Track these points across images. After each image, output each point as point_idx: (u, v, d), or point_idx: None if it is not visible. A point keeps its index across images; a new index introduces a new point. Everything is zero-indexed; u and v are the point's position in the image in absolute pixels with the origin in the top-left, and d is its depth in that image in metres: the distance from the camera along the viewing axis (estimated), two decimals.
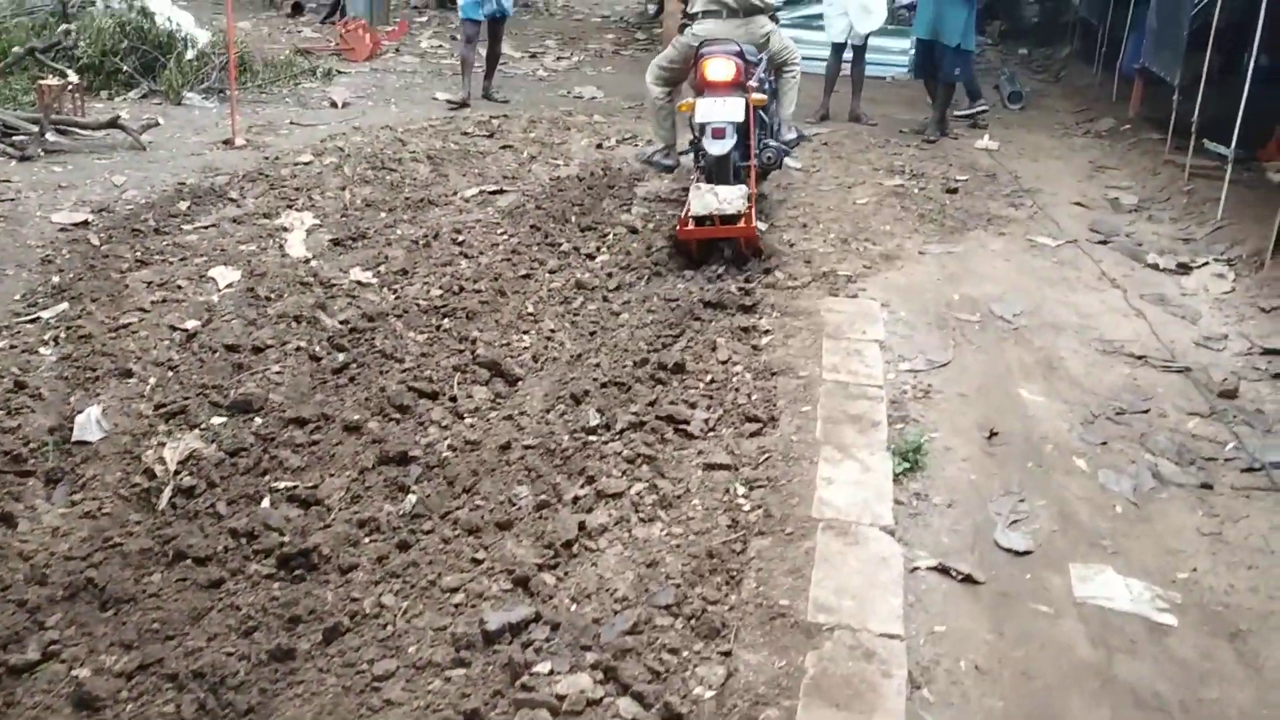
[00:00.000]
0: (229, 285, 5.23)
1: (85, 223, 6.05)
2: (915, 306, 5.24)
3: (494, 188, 7.03)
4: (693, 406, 4.08)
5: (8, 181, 6.72)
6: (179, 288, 5.15)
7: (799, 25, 12.46)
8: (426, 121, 8.86)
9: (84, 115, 8.10)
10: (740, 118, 5.68)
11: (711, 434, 3.92)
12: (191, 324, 4.75)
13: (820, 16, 12.03)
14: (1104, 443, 4.03)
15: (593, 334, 4.86)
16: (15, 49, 8.65)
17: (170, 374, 4.30)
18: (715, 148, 5.65)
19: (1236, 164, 6.74)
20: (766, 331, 4.84)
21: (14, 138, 7.45)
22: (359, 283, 5.34)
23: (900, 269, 5.77)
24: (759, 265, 5.56)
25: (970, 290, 5.49)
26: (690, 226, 5.52)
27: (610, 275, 5.51)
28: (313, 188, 6.88)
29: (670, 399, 4.14)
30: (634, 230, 6.19)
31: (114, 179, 6.93)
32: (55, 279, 5.30)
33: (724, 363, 4.49)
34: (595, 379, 4.35)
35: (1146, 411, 4.29)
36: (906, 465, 3.72)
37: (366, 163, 7.48)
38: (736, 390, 4.24)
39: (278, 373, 4.30)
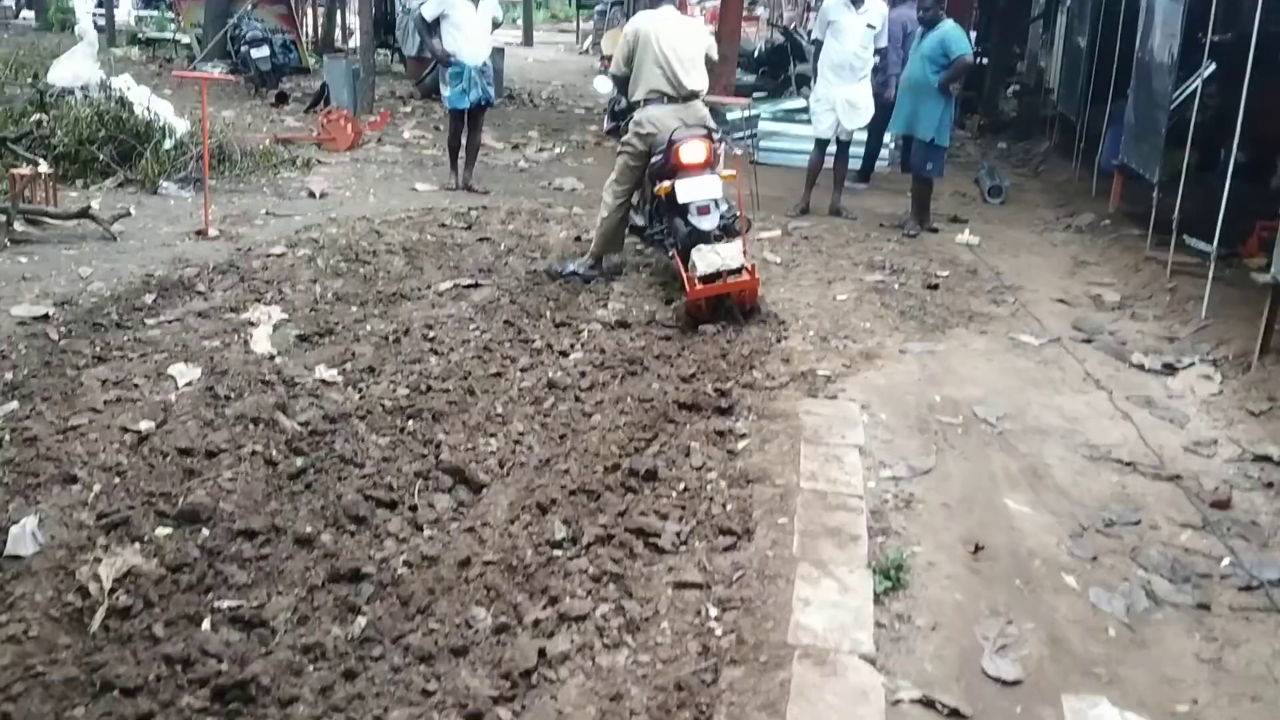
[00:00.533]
0: (188, 384, 5.05)
1: (46, 316, 5.88)
2: (896, 409, 5.10)
3: (469, 281, 6.90)
4: (664, 518, 3.90)
5: None
6: (135, 386, 4.96)
7: (782, 119, 12.56)
8: (404, 212, 8.77)
9: (56, 204, 7.98)
10: (720, 194, 6.25)
11: (683, 548, 3.74)
12: (145, 425, 4.55)
13: (804, 110, 12.14)
14: (1094, 558, 3.85)
15: (563, 437, 4.69)
16: None
17: (117, 480, 4.09)
18: (705, 223, 6.13)
19: (1219, 261, 6.67)
20: (743, 435, 4.68)
21: None
22: (323, 381, 5.17)
23: (881, 368, 5.64)
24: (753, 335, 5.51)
25: (952, 391, 5.35)
26: (699, 287, 5.92)
27: (583, 374, 5.35)
28: (284, 280, 6.74)
29: (641, 509, 3.96)
30: (609, 326, 6.06)
31: (80, 270, 6.78)
32: (8, 375, 5.10)
33: (698, 469, 4.32)
34: (563, 486, 4.16)
35: (1137, 523, 4.12)
36: (888, 583, 3.53)
37: (340, 255, 7.36)
38: (710, 499, 4.07)
39: (230, 479, 4.10)
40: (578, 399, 5.09)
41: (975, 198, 10.75)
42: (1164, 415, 5.21)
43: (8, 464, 4.15)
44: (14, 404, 4.76)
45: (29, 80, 10.14)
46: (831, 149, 9.51)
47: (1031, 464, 4.62)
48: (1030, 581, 3.67)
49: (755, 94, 14.43)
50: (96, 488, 4.01)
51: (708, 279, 5.91)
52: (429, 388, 5.08)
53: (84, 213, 7.60)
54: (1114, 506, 4.23)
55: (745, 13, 26.69)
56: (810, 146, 9.84)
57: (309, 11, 20.93)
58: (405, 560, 3.63)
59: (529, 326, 6.04)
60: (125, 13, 27.03)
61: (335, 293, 6.56)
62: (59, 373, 5.12)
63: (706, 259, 5.90)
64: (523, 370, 5.42)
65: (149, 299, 6.28)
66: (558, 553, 3.69)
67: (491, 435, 4.66)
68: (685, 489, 4.16)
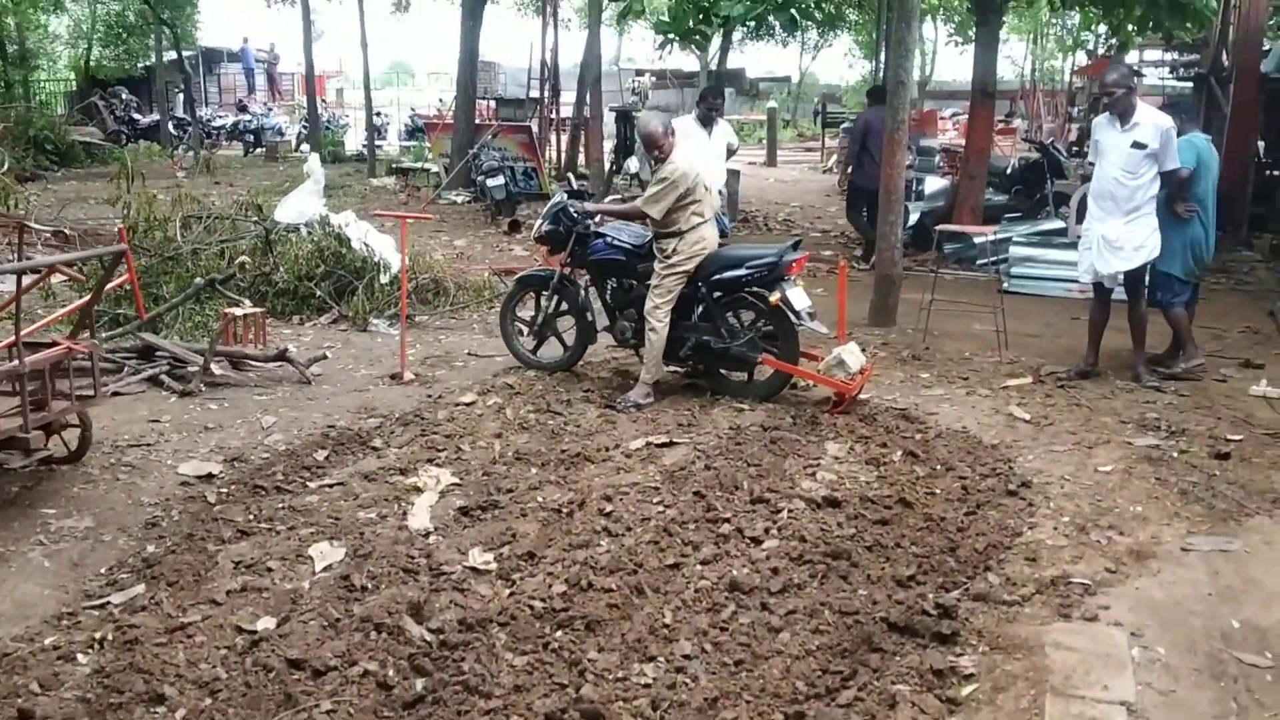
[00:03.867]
0: (326, 568, 4.50)
1: (211, 476, 5.56)
2: (1178, 639, 3.93)
3: (663, 439, 6.16)
4: None
5: (156, 421, 6.41)
6: (269, 570, 4.45)
7: (1038, 243, 11.40)
8: (610, 354, 8.16)
9: (265, 344, 7.88)
10: None
11: None
12: (263, 624, 3.99)
13: (1061, 233, 10.96)
14: None
15: (739, 663, 3.79)
16: (196, 280, 8.62)
17: (207, 701, 3.51)
18: (820, 325, 6.98)
19: None
20: (969, 676, 3.67)
21: (182, 370, 7.24)
22: (474, 569, 4.50)
23: (1156, 575, 4.47)
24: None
25: (1256, 615, 4.12)
26: (859, 378, 6.69)
27: (775, 572, 4.45)
28: (465, 434, 6.23)
29: None
30: (815, 504, 5.14)
31: (264, 420, 6.52)
32: (150, 548, 4.74)
33: None
34: None
35: None
36: None
37: (532, 404, 6.82)
38: None
39: (329, 710, 3.44)
40: (764, 606, 4.19)
41: (1272, 334, 9.13)
42: None
43: (98, 674, 3.66)
44: (140, 587, 4.34)
45: (256, 218, 10.31)
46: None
47: None
48: None
49: (1007, 215, 13.28)
50: (180, 713, 3.44)
51: (859, 372, 6.68)
52: (590, 584, 4.31)
53: (281, 355, 7.43)
54: None
55: (1002, 124, 25.41)
56: (1072, 272, 8.54)
57: (553, 139, 21.23)
58: None
59: (720, 501, 5.20)
60: (390, 143, 28.80)
61: (516, 451, 5.97)
62: (199, 548, 4.70)
63: (852, 357, 6.69)
64: (703, 563, 4.57)
65: (320, 455, 5.89)
66: None
67: (650, 659, 3.81)
68: None
